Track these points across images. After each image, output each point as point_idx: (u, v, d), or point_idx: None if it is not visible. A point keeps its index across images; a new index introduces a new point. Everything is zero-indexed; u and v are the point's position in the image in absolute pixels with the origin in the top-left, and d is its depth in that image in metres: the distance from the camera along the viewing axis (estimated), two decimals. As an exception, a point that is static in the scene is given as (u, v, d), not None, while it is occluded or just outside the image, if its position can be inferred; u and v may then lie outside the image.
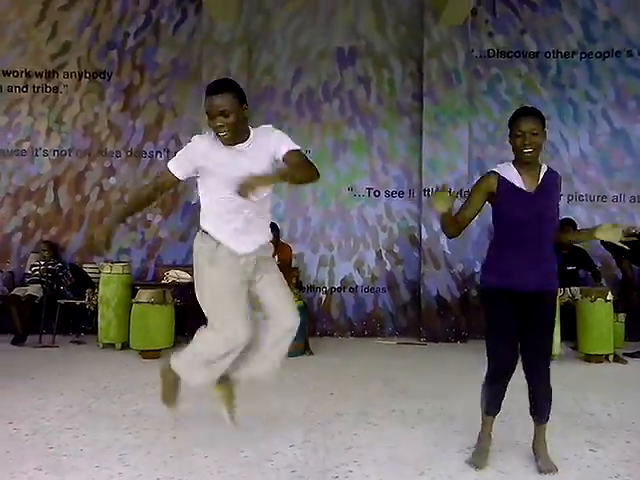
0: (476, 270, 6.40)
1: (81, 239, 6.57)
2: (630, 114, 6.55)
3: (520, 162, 2.74)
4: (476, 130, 6.55)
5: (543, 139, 2.70)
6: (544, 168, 2.80)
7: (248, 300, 2.72)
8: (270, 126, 2.70)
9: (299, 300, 5.59)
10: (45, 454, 2.97)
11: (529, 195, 2.71)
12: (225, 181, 2.51)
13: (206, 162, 2.55)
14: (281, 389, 4.28)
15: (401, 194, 6.58)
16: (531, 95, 6.56)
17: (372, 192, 6.59)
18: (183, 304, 5.73)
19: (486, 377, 2.85)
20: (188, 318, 5.75)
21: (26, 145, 6.63)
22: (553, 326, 2.86)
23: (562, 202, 6.43)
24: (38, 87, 6.66)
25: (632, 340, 5.59)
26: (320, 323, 6.47)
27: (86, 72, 6.66)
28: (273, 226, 6.03)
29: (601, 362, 5.14)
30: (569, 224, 5.92)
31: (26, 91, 6.65)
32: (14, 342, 5.80)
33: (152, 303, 5.25)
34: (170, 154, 6.59)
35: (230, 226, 2.62)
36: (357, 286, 6.54)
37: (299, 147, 2.60)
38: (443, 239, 6.30)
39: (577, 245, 5.96)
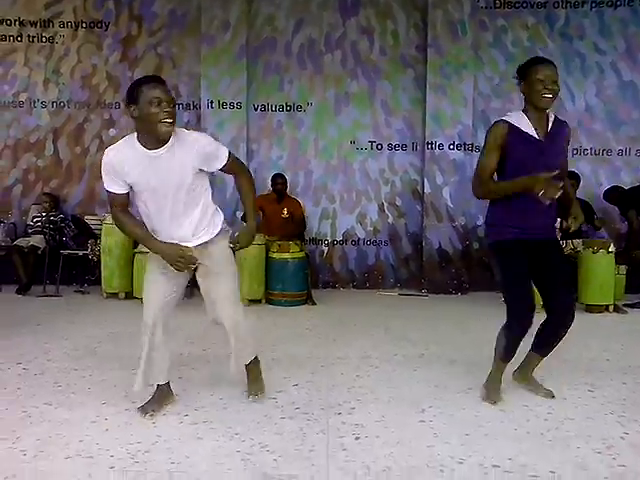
0: (478, 223, 6.39)
1: (82, 191, 6.54)
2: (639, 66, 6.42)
3: (535, 108, 2.73)
4: (481, 83, 6.44)
5: (559, 89, 2.72)
6: (552, 116, 2.80)
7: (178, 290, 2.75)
8: (194, 135, 2.62)
9: (301, 251, 5.63)
10: (54, 392, 3.03)
11: (539, 143, 2.72)
12: (142, 187, 2.55)
13: (126, 172, 2.53)
14: (284, 335, 4.34)
15: (404, 147, 6.51)
16: (538, 47, 6.41)
17: (375, 145, 6.52)
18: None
19: (507, 327, 2.84)
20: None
21: (23, 96, 6.53)
22: (566, 264, 2.95)
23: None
24: (33, 37, 6.50)
25: (633, 292, 5.63)
26: (322, 275, 6.50)
27: (82, 22, 6.50)
28: (281, 177, 6.10)
29: (602, 312, 5.19)
30: (573, 178, 5.89)
31: (21, 41, 6.50)
32: (18, 291, 5.85)
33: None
34: (172, 94, 6.48)
35: (159, 230, 2.65)
36: (359, 239, 6.55)
37: (228, 151, 2.69)
38: (446, 192, 6.28)
39: (580, 198, 5.95)
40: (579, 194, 5.96)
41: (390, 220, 6.55)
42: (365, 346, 4.03)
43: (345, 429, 2.57)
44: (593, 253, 5.17)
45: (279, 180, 6.04)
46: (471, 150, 6.35)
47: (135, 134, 2.54)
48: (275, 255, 5.55)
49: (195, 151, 2.54)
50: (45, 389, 3.07)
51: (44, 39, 6.49)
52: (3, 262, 6.11)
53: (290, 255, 5.54)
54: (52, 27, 6.48)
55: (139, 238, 2.70)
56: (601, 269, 5.15)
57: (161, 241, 2.62)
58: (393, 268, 6.57)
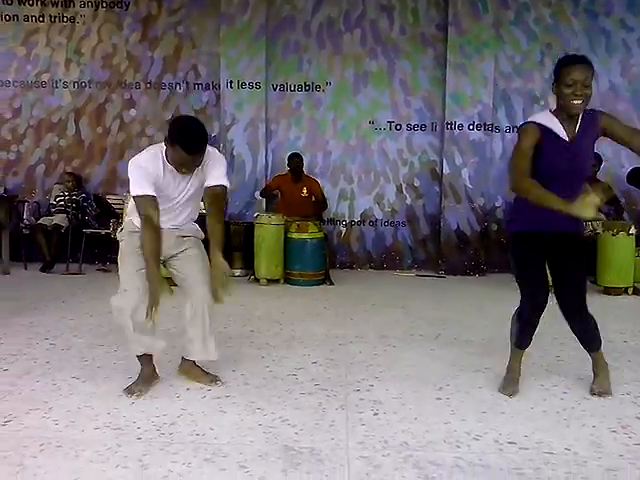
0: (497, 204, 6.38)
1: (103, 171, 6.63)
2: (668, 43, 6.28)
3: (564, 113, 2.61)
4: (502, 62, 6.36)
5: (591, 91, 2.57)
6: (581, 113, 2.64)
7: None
8: (218, 154, 2.79)
9: (319, 231, 5.67)
10: (80, 366, 3.14)
11: (568, 145, 2.62)
12: (163, 198, 2.68)
13: (156, 181, 2.63)
14: (302, 314, 4.41)
15: (423, 128, 6.48)
16: (561, 25, 6.32)
17: (393, 126, 6.50)
18: (204, 235, 5.81)
19: (519, 314, 2.86)
20: (209, 246, 5.86)
21: (46, 77, 6.60)
22: (585, 266, 2.83)
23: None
24: (55, 17, 6.55)
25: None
26: (340, 255, 6.55)
27: (103, 1, 6.53)
28: (298, 156, 6.15)
29: (620, 295, 5.18)
30: (595, 158, 5.82)
31: (43, 21, 6.56)
32: (43, 269, 5.99)
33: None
34: (190, 86, 6.54)
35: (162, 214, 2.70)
36: (377, 219, 6.57)
37: (228, 184, 2.81)
38: (465, 173, 6.26)
39: (601, 180, 5.89)
40: (600, 176, 5.92)
41: (408, 201, 6.55)
42: (383, 325, 4.09)
43: (364, 405, 2.63)
44: (613, 235, 5.13)
45: (296, 159, 6.06)
46: (491, 130, 6.30)
47: (162, 148, 2.65)
48: (294, 235, 5.60)
49: (212, 166, 2.71)
50: (72, 364, 3.17)
51: (65, 19, 6.54)
52: (27, 241, 6.26)
53: (309, 235, 5.58)
54: (73, 7, 6.52)
55: (148, 255, 2.64)
56: (621, 251, 5.12)
57: (155, 274, 2.63)
58: (411, 249, 6.59)
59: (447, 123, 6.27)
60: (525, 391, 2.83)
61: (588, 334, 2.85)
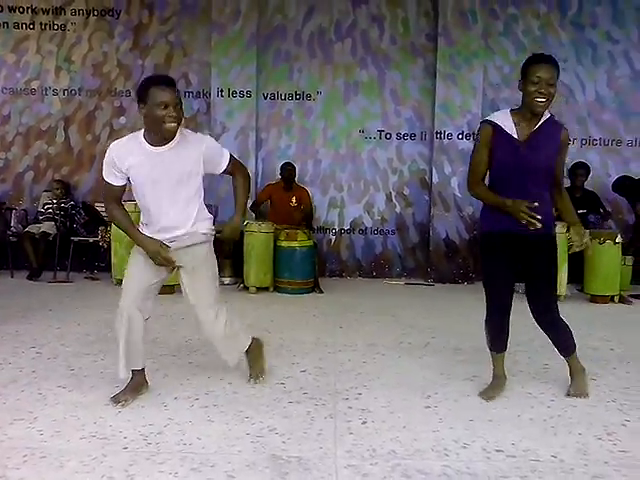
0: (486, 214, 6.41)
1: (92, 178, 6.60)
2: (653, 55, 6.38)
3: (527, 111, 2.65)
4: (491, 72, 6.43)
5: (555, 90, 2.62)
6: (546, 116, 2.69)
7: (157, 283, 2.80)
8: (199, 136, 2.74)
9: (309, 239, 5.68)
10: (67, 375, 3.11)
11: (518, 145, 2.66)
12: (142, 181, 2.62)
13: (126, 165, 2.62)
14: (292, 323, 4.40)
15: (413, 137, 6.52)
16: (549, 36, 6.40)
17: (383, 135, 6.54)
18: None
19: (486, 318, 2.92)
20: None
21: (35, 84, 6.58)
22: (555, 268, 2.84)
23: (575, 146, 6.40)
24: (45, 24, 6.54)
25: (639, 283, 5.65)
26: (330, 263, 6.56)
27: (94, 10, 6.53)
28: (291, 165, 6.15)
29: (606, 303, 5.22)
30: (582, 167, 5.90)
31: (33, 28, 6.55)
32: (30, 277, 5.94)
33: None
34: (180, 94, 6.52)
35: (155, 220, 2.70)
36: (366, 228, 6.59)
37: (229, 154, 2.79)
38: (454, 182, 6.30)
39: (588, 189, 5.96)
40: (588, 185, 5.98)
41: (398, 209, 6.58)
42: (372, 334, 4.09)
43: (352, 413, 2.63)
44: (600, 244, 5.18)
45: (289, 167, 6.09)
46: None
47: (142, 130, 2.64)
48: (283, 243, 5.60)
49: (200, 151, 2.64)
50: (59, 372, 3.14)
51: (56, 27, 6.53)
52: (15, 248, 6.21)
53: (298, 243, 5.59)
54: (64, 15, 6.52)
55: (125, 228, 2.75)
56: (607, 260, 5.17)
57: (144, 235, 2.70)
58: (400, 257, 6.61)
59: (436, 132, 6.31)
60: (512, 399, 2.85)
61: (560, 337, 2.89)
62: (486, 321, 2.93)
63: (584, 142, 6.38)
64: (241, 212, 2.94)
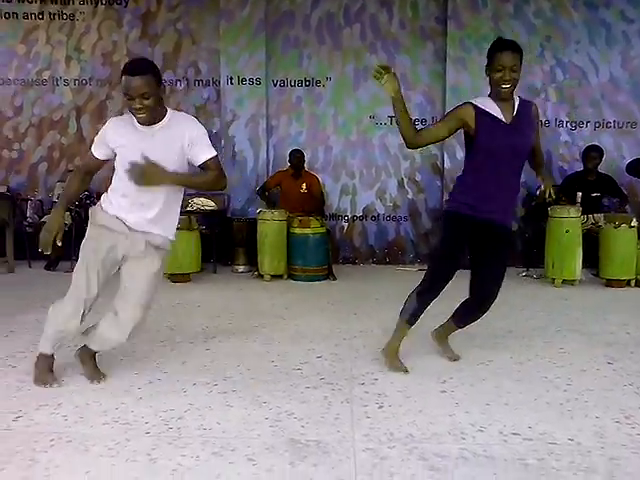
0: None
1: (106, 168, 6.60)
2: (669, 34, 6.29)
3: (496, 96, 2.77)
4: (502, 55, 6.35)
5: (519, 75, 2.73)
6: (517, 99, 2.84)
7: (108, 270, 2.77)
8: (192, 119, 2.68)
9: (322, 227, 5.69)
10: (87, 363, 3.15)
11: (506, 126, 2.77)
12: (123, 161, 2.59)
13: (115, 142, 2.62)
14: (306, 309, 4.43)
15: (424, 122, 6.47)
16: (561, 17, 6.31)
17: (394, 120, 6.49)
18: (208, 231, 5.86)
19: (421, 290, 3.10)
20: (213, 245, 5.90)
21: (46, 74, 6.61)
22: (507, 258, 3.00)
23: (589, 129, 6.36)
24: (54, 14, 6.55)
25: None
26: (342, 251, 6.58)
27: (102, -2, 6.54)
28: (299, 152, 6.13)
29: (622, 287, 5.19)
30: (596, 150, 5.84)
31: (42, 18, 6.56)
32: (47, 267, 6.01)
33: (178, 229, 5.33)
34: (190, 82, 6.55)
35: (125, 201, 2.67)
36: (379, 214, 6.59)
37: (215, 153, 2.65)
38: (466, 167, 6.26)
39: (603, 172, 5.90)
40: (602, 168, 5.93)
41: (410, 195, 6.57)
42: (386, 320, 4.08)
43: (368, 398, 2.66)
44: (615, 228, 5.14)
45: (297, 154, 6.08)
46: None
47: None
48: (296, 230, 5.62)
49: (187, 134, 2.59)
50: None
51: (65, 16, 6.54)
52: (31, 239, 6.26)
53: (311, 230, 5.60)
54: (72, 4, 6.52)
55: (61, 197, 2.88)
56: (623, 244, 5.13)
57: (59, 214, 2.73)
58: (413, 243, 6.61)
59: (448, 117, 6.26)
60: (528, 383, 2.86)
61: (475, 319, 3.18)
62: (418, 293, 3.08)
63: (597, 125, 6.31)
64: (172, 174, 2.58)
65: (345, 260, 6.55)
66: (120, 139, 2.61)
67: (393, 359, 3.08)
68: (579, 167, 6.03)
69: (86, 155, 2.85)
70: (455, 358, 3.20)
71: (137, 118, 2.54)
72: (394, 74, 2.81)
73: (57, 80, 6.59)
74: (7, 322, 3.97)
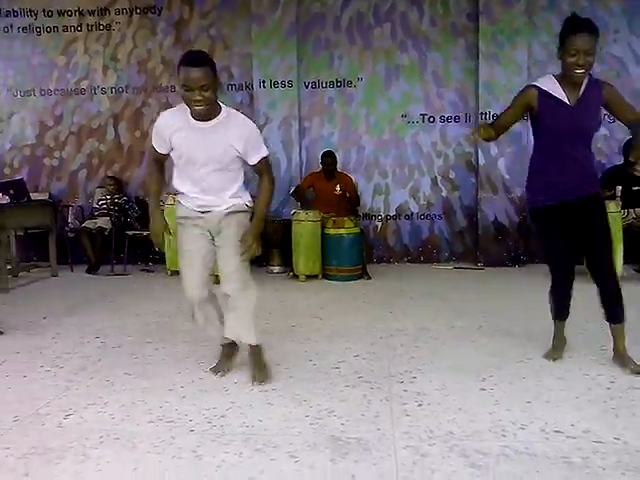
0: (534, 194, 6.29)
1: (143, 173, 6.78)
2: None
3: (568, 79, 2.74)
4: (536, 49, 6.26)
5: (594, 58, 2.69)
6: (586, 79, 2.77)
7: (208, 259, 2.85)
8: (247, 119, 2.73)
9: (356, 227, 5.71)
10: (131, 363, 3.26)
11: (570, 108, 2.76)
12: (181, 155, 2.67)
13: (172, 137, 2.66)
14: (342, 309, 4.46)
15: (457, 119, 6.44)
16: (598, 8, 6.17)
17: (426, 118, 6.47)
18: (243, 233, 5.93)
19: (550, 288, 3.09)
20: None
21: (85, 84, 6.80)
22: (609, 227, 2.94)
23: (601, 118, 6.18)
24: (92, 25, 6.74)
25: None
26: (377, 250, 6.57)
27: (137, 8, 6.68)
28: (331, 156, 6.13)
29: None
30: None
31: (80, 30, 6.75)
32: (88, 271, 6.19)
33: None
34: (223, 87, 6.63)
35: (191, 191, 2.76)
36: (412, 213, 6.56)
37: (267, 152, 2.79)
38: (501, 163, 6.19)
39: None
40: (617, 160, 5.77)
41: (444, 193, 6.52)
42: (422, 318, 4.10)
43: (407, 396, 2.67)
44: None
45: (328, 160, 6.03)
46: (527, 119, 6.18)
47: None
48: (331, 231, 5.65)
49: (244, 137, 2.65)
50: (123, 360, 3.30)
51: (101, 27, 6.72)
52: (73, 243, 6.48)
53: (345, 230, 5.62)
54: (109, 15, 6.70)
55: (148, 193, 2.95)
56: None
57: (155, 215, 2.86)
58: (448, 242, 6.56)
59: (481, 113, 6.20)
60: (569, 380, 2.82)
61: (612, 298, 2.91)
62: (550, 292, 3.11)
63: (612, 119, 6.12)
64: (259, 217, 2.81)
65: (379, 259, 6.55)
66: (175, 129, 2.64)
67: (550, 350, 3.17)
68: (618, 161, 5.89)
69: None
70: (638, 370, 2.88)
71: (195, 110, 2.54)
72: (486, 124, 2.98)
73: (95, 89, 6.79)
74: (53, 324, 4.11)
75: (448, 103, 6.44)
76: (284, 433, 2.31)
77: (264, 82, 6.40)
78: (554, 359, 3.09)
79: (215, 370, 3.01)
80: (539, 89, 2.79)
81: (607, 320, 2.99)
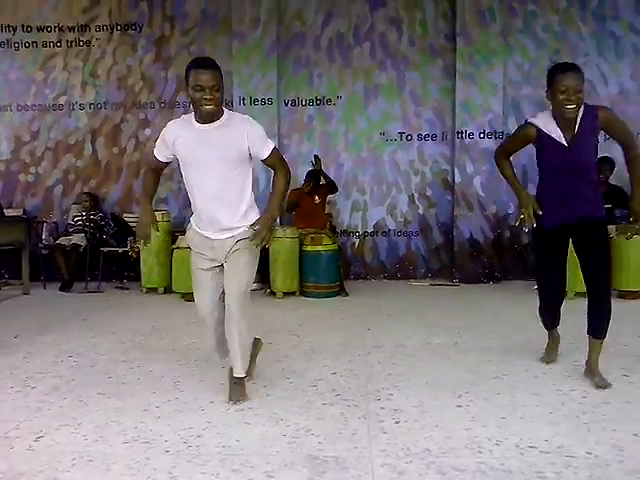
0: (509, 212, 6.40)
1: (120, 190, 6.75)
2: (677, 45, 6.31)
3: (561, 116, 2.83)
4: (511, 70, 6.41)
5: (583, 95, 2.80)
6: (582, 109, 2.84)
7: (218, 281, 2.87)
8: (248, 118, 2.80)
9: (334, 243, 5.73)
10: (105, 382, 3.21)
11: (566, 148, 2.84)
12: (187, 157, 2.73)
13: (176, 143, 2.74)
14: (320, 326, 4.46)
15: (434, 137, 6.53)
16: (569, 31, 6.36)
17: (404, 136, 6.56)
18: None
19: (539, 306, 3.28)
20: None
21: (63, 99, 6.76)
22: (608, 249, 3.03)
23: (599, 140, 6.34)
24: (71, 41, 6.72)
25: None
26: (354, 267, 6.60)
27: (117, 24, 6.68)
28: (316, 177, 6.05)
29: (636, 298, 5.16)
30: (607, 162, 5.84)
31: (60, 46, 6.72)
32: (62, 288, 6.09)
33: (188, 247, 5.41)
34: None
35: (200, 207, 2.80)
36: (390, 230, 6.61)
37: (274, 143, 2.84)
38: (477, 181, 6.29)
39: (614, 183, 5.90)
40: (613, 180, 5.92)
41: (420, 210, 6.59)
42: (399, 335, 4.12)
43: (385, 414, 2.67)
44: (627, 239, 5.11)
45: (312, 182, 6.01)
46: (502, 138, 6.32)
47: (194, 112, 2.74)
48: (308, 248, 5.66)
49: (246, 132, 2.71)
50: (97, 380, 3.24)
51: (81, 43, 6.70)
52: (46, 260, 6.39)
53: (323, 247, 5.64)
54: (89, 31, 6.68)
55: (141, 194, 3.06)
56: (635, 254, 5.13)
57: (146, 208, 2.94)
58: (424, 258, 6.62)
59: (458, 132, 6.32)
60: (544, 396, 2.86)
61: (601, 315, 2.98)
62: (539, 308, 3.27)
63: (608, 136, 6.27)
64: (276, 204, 2.84)
65: (357, 276, 6.57)
66: (179, 135, 2.72)
67: (544, 354, 3.39)
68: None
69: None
70: (603, 385, 2.94)
71: (205, 110, 2.61)
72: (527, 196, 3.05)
73: (73, 105, 6.74)
74: (25, 343, 4.03)
75: (425, 122, 6.54)
76: (261, 452, 2.30)
77: (244, 99, 6.44)
78: (548, 362, 3.32)
79: (232, 398, 2.88)
80: (536, 128, 2.89)
81: (589, 333, 3.05)
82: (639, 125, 6.31)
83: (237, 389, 2.88)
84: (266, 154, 2.78)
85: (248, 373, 2.98)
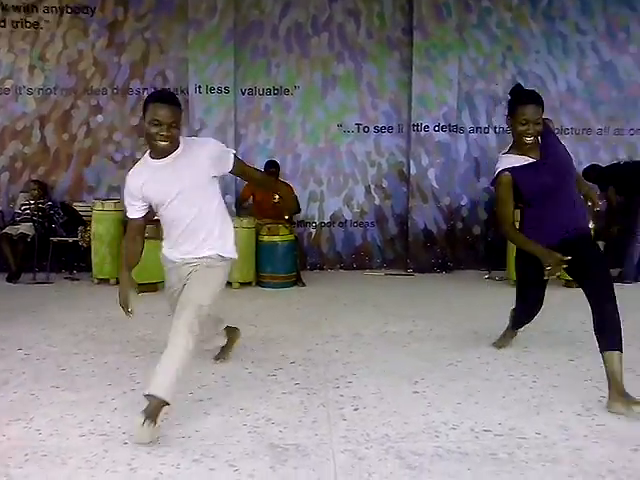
0: (462, 203, 6.57)
1: (70, 178, 6.54)
2: (619, 45, 6.57)
3: (519, 146, 2.90)
4: (466, 64, 6.54)
5: (541, 127, 2.85)
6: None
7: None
8: (199, 140, 2.81)
9: (290, 234, 5.74)
10: (59, 375, 3.13)
11: (540, 164, 2.88)
12: (156, 198, 2.62)
13: (144, 191, 2.63)
14: (277, 316, 4.47)
15: (390, 130, 6.61)
16: (521, 28, 6.54)
17: (361, 128, 6.61)
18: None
19: (514, 310, 3.45)
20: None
21: (9, 83, 6.47)
22: (599, 257, 2.94)
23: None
24: (17, 22, 6.43)
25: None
26: (311, 257, 6.63)
27: (67, 7, 6.44)
28: (275, 165, 6.09)
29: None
30: (593, 170, 6.03)
31: (4, 26, 6.43)
32: (9, 279, 5.86)
33: (146, 238, 5.30)
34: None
35: (172, 237, 2.74)
36: (346, 220, 6.67)
37: (234, 150, 2.79)
38: (431, 174, 6.42)
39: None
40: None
41: (376, 202, 6.67)
42: (356, 324, 4.18)
43: (344, 401, 2.71)
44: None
45: (272, 169, 5.99)
46: (456, 131, 6.48)
47: (149, 150, 2.63)
48: (265, 238, 5.65)
49: (207, 154, 2.61)
50: (50, 373, 3.16)
51: (28, 24, 6.43)
52: (-8, 250, 6.13)
53: (280, 238, 5.64)
54: (36, 12, 6.41)
55: (123, 261, 2.82)
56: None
57: (126, 276, 2.76)
58: (379, 249, 6.71)
59: (413, 125, 6.42)
60: (496, 382, 2.97)
61: (610, 329, 2.66)
62: (514, 310, 3.43)
63: (557, 131, 6.52)
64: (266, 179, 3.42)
65: (313, 266, 6.60)
66: (142, 179, 2.60)
67: (498, 340, 3.56)
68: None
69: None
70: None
71: (159, 146, 2.50)
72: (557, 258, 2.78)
73: (20, 89, 6.47)
74: (-28, 336, 3.88)
75: (382, 114, 6.61)
76: (222, 442, 2.30)
77: (200, 87, 6.33)
78: (499, 347, 3.50)
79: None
80: (510, 171, 2.90)
81: (603, 349, 2.65)
82: (585, 121, 6.61)
83: (148, 409, 2.33)
84: (231, 164, 2.70)
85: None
